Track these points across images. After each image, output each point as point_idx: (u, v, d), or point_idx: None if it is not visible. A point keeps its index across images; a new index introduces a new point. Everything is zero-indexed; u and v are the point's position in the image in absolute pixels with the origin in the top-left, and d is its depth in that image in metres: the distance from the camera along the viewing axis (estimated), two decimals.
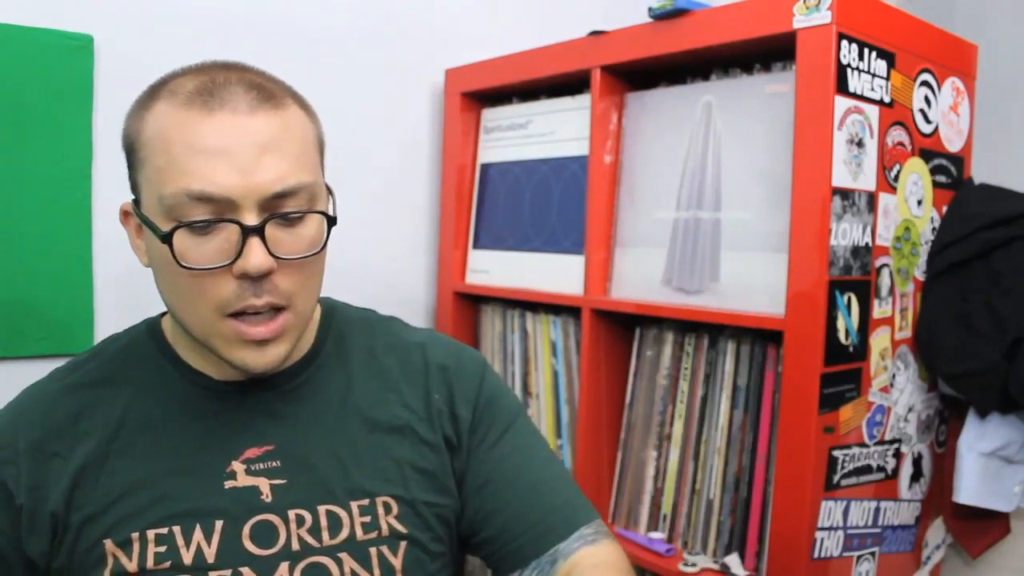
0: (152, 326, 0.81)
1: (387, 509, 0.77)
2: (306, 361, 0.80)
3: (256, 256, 0.66)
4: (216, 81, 0.68)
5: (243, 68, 0.73)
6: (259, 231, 0.66)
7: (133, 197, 0.72)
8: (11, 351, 1.24)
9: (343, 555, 0.74)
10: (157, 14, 1.35)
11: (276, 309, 0.70)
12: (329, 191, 0.76)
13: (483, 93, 1.63)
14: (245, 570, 0.71)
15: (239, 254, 0.66)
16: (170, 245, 0.65)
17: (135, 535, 0.70)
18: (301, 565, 0.72)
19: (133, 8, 1.33)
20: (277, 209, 0.68)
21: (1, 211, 1.22)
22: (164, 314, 0.83)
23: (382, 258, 1.67)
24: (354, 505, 0.76)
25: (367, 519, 0.76)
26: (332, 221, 0.73)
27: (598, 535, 0.82)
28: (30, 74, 1.22)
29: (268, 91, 0.70)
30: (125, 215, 0.74)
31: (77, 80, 1.26)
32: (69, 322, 1.28)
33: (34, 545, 0.70)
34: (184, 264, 0.66)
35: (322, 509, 0.75)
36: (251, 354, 0.70)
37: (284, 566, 0.72)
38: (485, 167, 1.65)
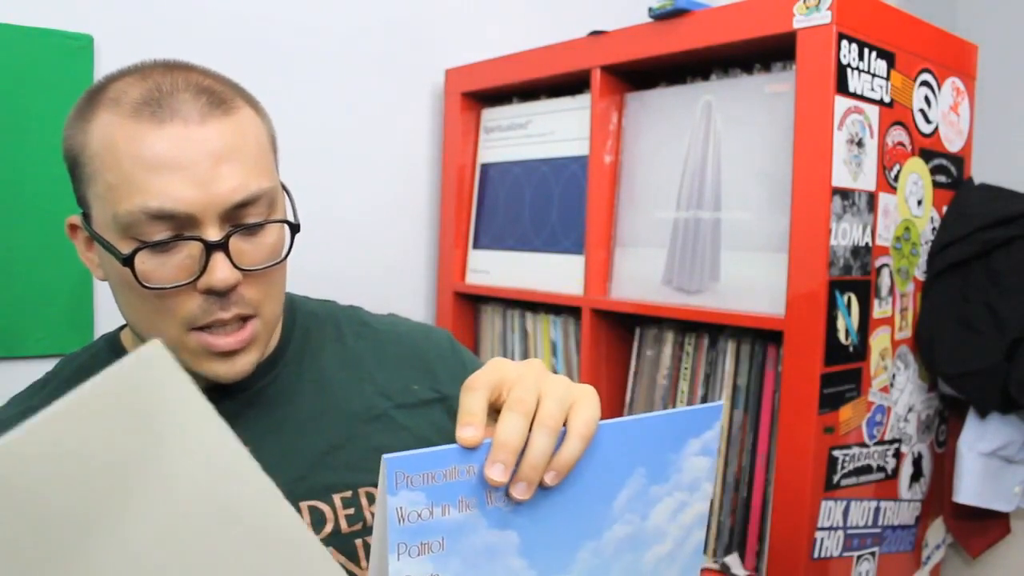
0: (112, 341, 0.79)
1: (370, 499, 0.76)
2: (273, 360, 0.78)
3: (221, 271, 0.64)
4: (162, 89, 0.65)
5: (187, 69, 0.69)
6: (223, 246, 0.64)
7: (81, 211, 0.70)
8: (11, 351, 1.24)
9: (329, 550, 0.73)
10: (157, 14, 1.35)
11: (243, 318, 0.68)
12: (286, 191, 0.73)
13: (483, 93, 1.63)
14: None
15: (203, 270, 0.64)
16: (132, 268, 0.63)
17: None
18: None
19: (133, 8, 1.33)
20: (238, 220, 0.66)
21: (1, 211, 1.22)
22: (122, 328, 0.80)
23: (382, 258, 1.67)
24: (336, 498, 0.74)
25: (351, 511, 0.75)
26: (296, 228, 0.70)
27: None
28: (30, 74, 1.22)
29: (217, 95, 0.67)
30: (72, 229, 0.72)
31: (77, 80, 1.26)
32: (69, 322, 1.28)
33: None
34: (147, 285, 0.64)
35: (304, 505, 0.73)
36: (220, 366, 0.68)
37: None
38: (485, 167, 1.65)
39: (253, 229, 0.67)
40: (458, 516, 0.45)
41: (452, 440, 0.86)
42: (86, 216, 0.68)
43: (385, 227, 1.67)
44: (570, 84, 1.46)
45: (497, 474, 0.46)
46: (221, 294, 0.65)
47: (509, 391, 0.50)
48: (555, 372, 1.49)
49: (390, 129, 1.66)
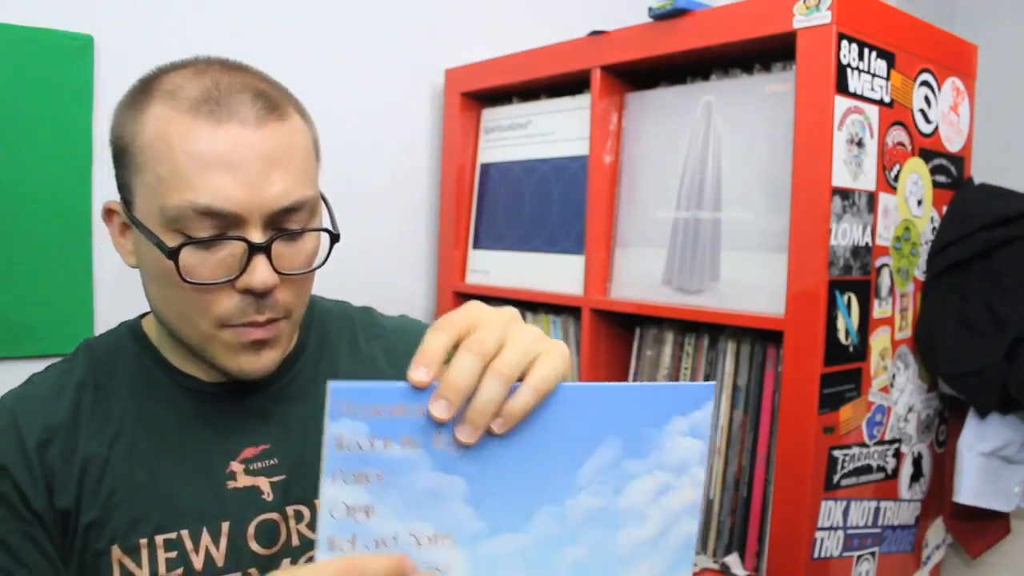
0: (133, 329, 0.79)
1: None
2: (292, 358, 0.80)
3: (262, 273, 0.65)
4: (221, 88, 0.66)
5: (243, 70, 0.71)
6: (266, 249, 0.65)
7: (122, 197, 0.70)
8: (11, 351, 1.24)
9: None
10: (157, 14, 1.35)
11: (273, 321, 0.70)
12: (324, 200, 0.74)
13: (483, 93, 1.63)
14: (253, 571, 0.71)
15: (243, 270, 0.65)
16: (176, 261, 0.64)
17: (143, 541, 0.69)
18: (302, 560, 0.73)
19: (133, 8, 1.33)
20: (280, 224, 0.67)
21: (1, 211, 1.22)
22: (143, 316, 0.81)
23: (382, 258, 1.67)
24: None
25: None
26: (336, 238, 0.72)
27: None
28: (30, 74, 1.22)
29: (273, 100, 0.68)
30: (109, 213, 0.73)
31: (77, 80, 1.26)
32: (69, 322, 1.28)
33: (50, 549, 0.69)
34: (189, 280, 0.65)
35: (318, 503, 0.74)
36: (248, 358, 0.70)
37: (286, 563, 0.72)
38: (485, 167, 1.65)
39: (294, 235, 0.68)
40: (399, 452, 0.45)
41: None
42: (127, 203, 0.69)
43: (385, 227, 1.67)
44: (570, 84, 1.46)
45: (438, 410, 0.46)
46: (258, 295, 0.67)
47: (474, 332, 0.49)
48: None
49: (390, 129, 1.66)
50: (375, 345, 0.85)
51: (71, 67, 1.26)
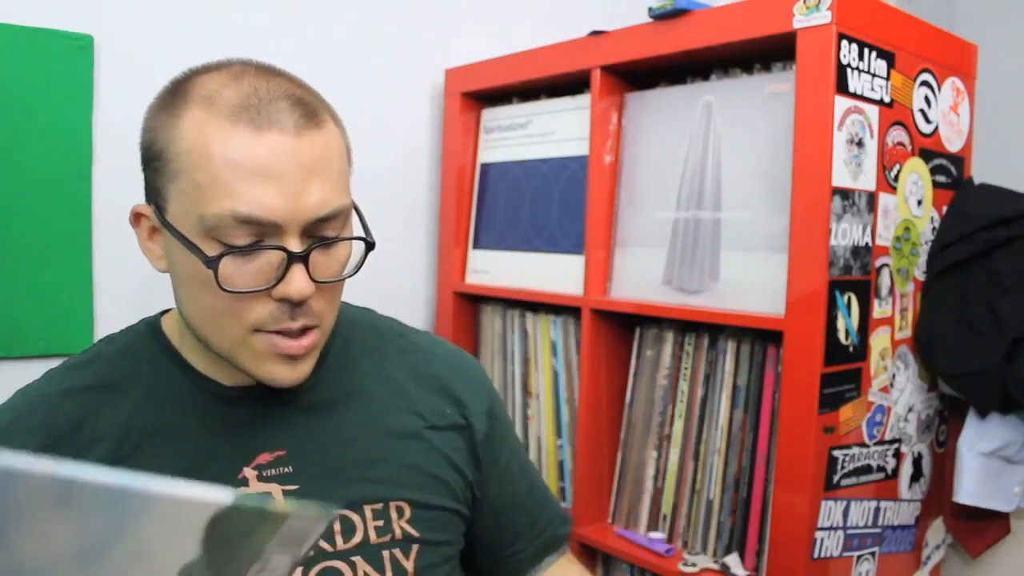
0: (153, 327, 0.79)
1: (400, 513, 0.77)
2: (316, 367, 0.78)
3: (299, 282, 0.65)
4: (260, 95, 0.66)
5: (278, 74, 0.70)
6: (304, 258, 0.66)
7: (153, 201, 0.69)
8: (11, 351, 1.24)
9: (356, 559, 0.74)
10: (157, 14, 1.35)
11: (307, 328, 0.70)
12: (355, 207, 0.74)
13: (483, 93, 1.63)
14: None
15: (280, 278, 0.65)
16: (215, 270, 0.64)
17: None
18: (314, 570, 0.72)
19: (133, 8, 1.33)
20: (317, 232, 0.68)
21: (1, 211, 1.22)
22: (163, 313, 0.81)
23: (382, 258, 1.66)
24: (367, 509, 0.76)
25: (380, 523, 0.76)
26: (371, 246, 0.72)
27: (566, 549, 0.97)
28: (30, 74, 1.22)
29: (311, 108, 0.68)
30: (138, 217, 0.72)
31: (77, 80, 1.26)
32: (69, 322, 1.28)
33: None
34: (226, 288, 0.65)
35: (335, 513, 0.74)
36: (281, 369, 0.70)
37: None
38: (485, 167, 1.65)
39: (329, 243, 0.69)
40: None
41: (465, 464, 0.89)
42: (160, 208, 0.68)
43: (385, 227, 1.67)
44: (570, 84, 1.46)
45: None
46: (294, 304, 0.67)
47: None
48: (555, 373, 1.49)
49: (390, 129, 1.66)
50: (403, 359, 0.86)
51: (71, 67, 1.26)
